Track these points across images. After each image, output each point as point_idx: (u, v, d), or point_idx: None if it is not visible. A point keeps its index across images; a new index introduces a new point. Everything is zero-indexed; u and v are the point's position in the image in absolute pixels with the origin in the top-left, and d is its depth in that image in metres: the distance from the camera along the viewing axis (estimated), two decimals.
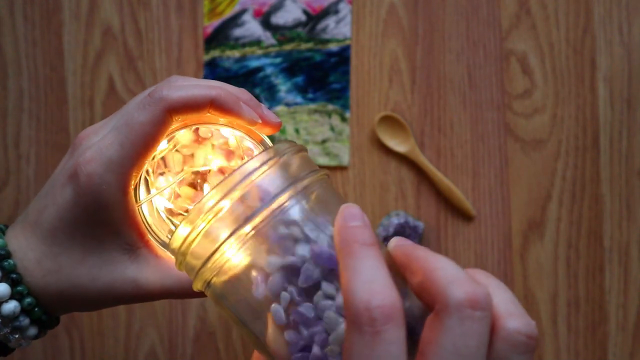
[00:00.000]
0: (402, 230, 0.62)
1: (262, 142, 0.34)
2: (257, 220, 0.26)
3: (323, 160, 0.66)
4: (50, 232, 0.32)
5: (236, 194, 0.26)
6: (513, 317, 0.23)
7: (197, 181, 0.36)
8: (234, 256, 0.27)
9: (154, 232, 0.34)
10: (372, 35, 0.66)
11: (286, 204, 0.26)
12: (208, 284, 0.28)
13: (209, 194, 0.27)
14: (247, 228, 0.26)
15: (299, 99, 0.67)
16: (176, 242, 0.28)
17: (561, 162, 0.65)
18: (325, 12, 0.67)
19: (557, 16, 0.65)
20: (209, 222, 0.26)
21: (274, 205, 0.26)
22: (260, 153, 0.28)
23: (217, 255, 0.26)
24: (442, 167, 0.65)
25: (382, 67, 0.66)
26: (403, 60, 0.66)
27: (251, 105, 0.34)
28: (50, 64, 0.69)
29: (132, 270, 0.33)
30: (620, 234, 0.65)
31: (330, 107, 0.66)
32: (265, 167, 0.27)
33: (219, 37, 0.68)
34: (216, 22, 0.68)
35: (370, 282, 0.23)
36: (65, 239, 0.32)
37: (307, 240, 0.26)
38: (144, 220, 0.34)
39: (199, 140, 0.35)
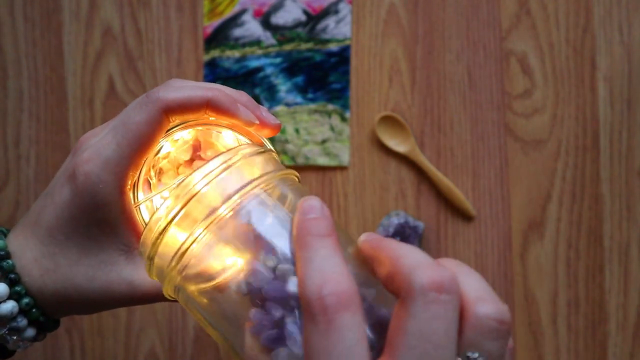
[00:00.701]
0: (402, 230, 0.62)
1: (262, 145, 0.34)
2: (213, 218, 0.26)
3: (323, 160, 0.66)
4: (48, 232, 0.33)
5: (196, 193, 0.26)
6: (483, 302, 0.23)
7: None
8: (198, 257, 0.27)
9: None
10: (372, 35, 0.66)
11: (245, 201, 0.26)
12: (177, 288, 0.28)
13: (170, 194, 0.27)
14: (200, 229, 0.26)
15: (299, 99, 0.67)
16: (143, 247, 0.28)
17: (561, 162, 0.65)
18: (325, 12, 0.67)
19: (557, 16, 0.65)
20: (169, 223, 0.27)
21: (232, 202, 0.26)
22: (221, 153, 0.28)
23: (180, 256, 0.27)
24: (442, 167, 0.65)
25: (382, 67, 0.66)
26: (403, 60, 0.66)
27: (249, 107, 0.34)
28: (50, 64, 0.69)
29: (128, 271, 0.33)
30: (620, 234, 0.65)
31: (330, 107, 0.66)
32: (224, 167, 0.27)
33: (219, 37, 0.68)
34: (216, 22, 0.68)
35: (321, 271, 0.23)
36: (62, 238, 0.32)
37: (267, 244, 0.26)
38: (143, 221, 0.34)
39: (198, 144, 0.36)
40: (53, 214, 0.32)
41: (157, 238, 0.27)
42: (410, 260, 0.23)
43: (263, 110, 0.35)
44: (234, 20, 0.68)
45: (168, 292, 0.28)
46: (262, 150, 0.29)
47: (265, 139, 0.35)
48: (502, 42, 0.66)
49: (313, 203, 0.26)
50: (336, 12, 0.67)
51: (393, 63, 0.66)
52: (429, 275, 0.22)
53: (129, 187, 0.33)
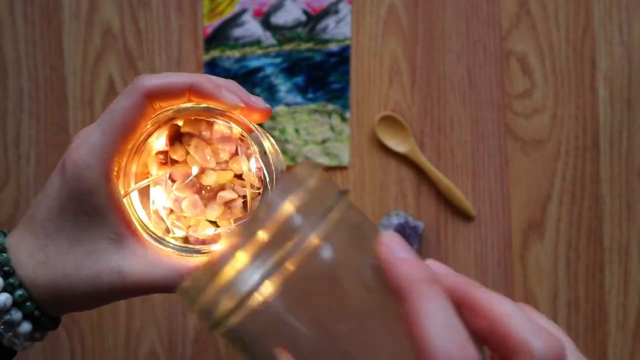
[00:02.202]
0: (402, 230, 0.62)
1: (251, 133, 0.34)
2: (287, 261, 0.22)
3: (323, 160, 0.66)
4: (41, 224, 0.33)
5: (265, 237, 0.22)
6: None
7: (195, 180, 0.36)
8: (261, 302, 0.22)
9: (144, 224, 0.34)
10: (372, 35, 0.66)
11: (317, 243, 0.22)
12: (228, 328, 0.23)
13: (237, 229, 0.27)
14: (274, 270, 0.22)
15: (299, 99, 0.67)
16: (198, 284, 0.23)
17: (561, 162, 0.65)
18: (325, 12, 0.67)
19: (557, 16, 0.65)
20: (236, 271, 0.22)
21: (306, 245, 0.22)
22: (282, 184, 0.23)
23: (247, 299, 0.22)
24: (442, 167, 0.65)
25: (382, 67, 0.66)
26: (403, 60, 0.66)
27: (237, 93, 0.34)
28: (50, 64, 0.69)
29: (117, 259, 0.33)
30: (620, 234, 0.65)
31: (330, 107, 0.66)
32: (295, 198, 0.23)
33: (219, 37, 0.68)
34: (216, 22, 0.68)
35: (448, 331, 0.20)
36: (53, 229, 0.33)
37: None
38: (133, 211, 0.34)
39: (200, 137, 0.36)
40: (45, 205, 0.33)
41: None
42: (520, 321, 0.22)
43: (252, 96, 0.35)
44: (234, 20, 0.68)
45: (217, 332, 0.23)
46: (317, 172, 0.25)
47: (255, 125, 0.34)
48: (502, 42, 0.66)
49: (397, 239, 0.22)
50: (336, 12, 0.67)
51: (393, 63, 0.66)
52: (546, 344, 0.21)
53: (115, 173, 0.33)
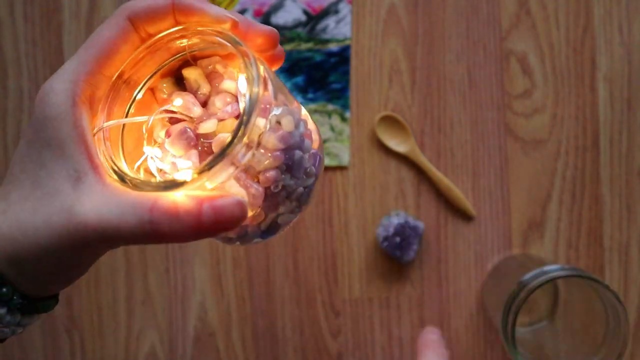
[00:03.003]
0: (402, 230, 0.62)
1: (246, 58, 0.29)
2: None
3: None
4: (10, 169, 0.29)
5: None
6: None
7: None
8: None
9: (110, 158, 0.29)
10: (372, 35, 0.66)
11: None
12: None
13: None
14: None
15: (299, 99, 0.67)
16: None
17: (561, 162, 0.65)
18: (325, 12, 0.67)
19: (557, 16, 0.65)
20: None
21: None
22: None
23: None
24: (442, 167, 0.65)
25: (382, 67, 0.66)
26: (403, 60, 0.66)
27: (238, 17, 0.30)
28: (50, 64, 0.69)
29: (71, 198, 0.28)
30: (620, 234, 0.65)
31: (330, 107, 0.66)
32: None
33: None
34: None
35: None
36: (18, 172, 0.29)
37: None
38: (102, 150, 0.30)
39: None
40: (17, 149, 0.29)
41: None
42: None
43: (254, 21, 0.31)
44: None
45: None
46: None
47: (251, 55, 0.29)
48: (502, 42, 0.66)
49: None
50: (336, 12, 0.67)
51: (393, 63, 0.66)
52: None
53: (83, 98, 0.29)
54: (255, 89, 0.27)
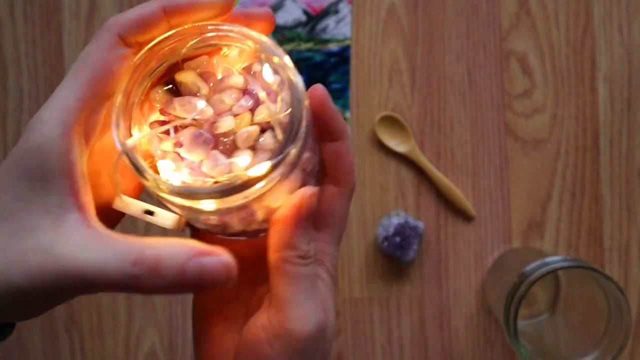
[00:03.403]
0: (402, 230, 0.62)
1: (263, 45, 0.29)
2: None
3: None
4: None
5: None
6: None
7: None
8: None
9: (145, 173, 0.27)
10: (372, 35, 0.66)
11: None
12: None
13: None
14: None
15: None
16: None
17: (561, 162, 0.65)
18: (325, 12, 0.67)
19: (557, 16, 0.65)
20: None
21: None
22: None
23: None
24: (442, 167, 0.65)
25: (382, 67, 0.66)
26: (403, 60, 0.66)
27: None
28: (50, 64, 0.69)
29: (50, 237, 0.25)
30: (620, 234, 0.65)
31: None
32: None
33: None
34: None
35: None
36: None
37: None
38: (135, 163, 0.27)
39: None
40: None
41: None
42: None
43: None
44: None
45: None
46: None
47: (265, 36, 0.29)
48: (502, 42, 0.66)
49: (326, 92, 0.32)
50: (336, 12, 0.67)
51: (393, 63, 0.66)
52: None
53: (76, 124, 0.27)
54: (297, 77, 0.28)
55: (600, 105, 0.65)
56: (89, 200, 0.27)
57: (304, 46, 0.67)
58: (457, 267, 0.65)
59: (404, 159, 0.66)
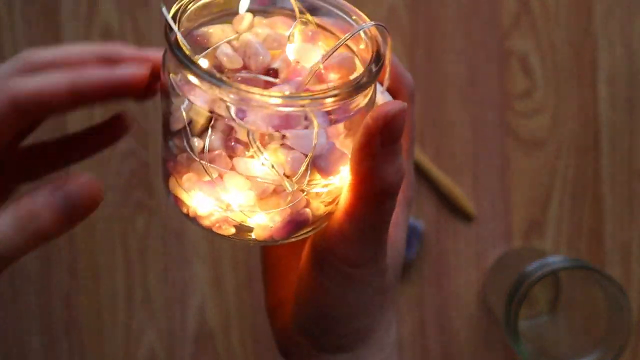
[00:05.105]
0: None
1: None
2: None
3: None
4: None
5: None
6: None
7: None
8: None
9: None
10: None
11: None
12: None
13: None
14: None
15: None
16: None
17: (562, 162, 0.65)
18: None
19: (558, 16, 0.65)
20: None
21: None
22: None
23: None
24: (442, 167, 0.65)
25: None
26: (403, 60, 0.66)
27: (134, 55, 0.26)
28: None
29: None
30: (621, 234, 0.64)
31: None
32: None
33: None
34: None
35: None
36: None
37: None
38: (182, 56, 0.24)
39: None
40: None
41: None
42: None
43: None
44: None
45: None
46: None
47: None
48: (502, 41, 0.65)
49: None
50: None
51: None
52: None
53: None
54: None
55: (601, 106, 0.65)
56: None
57: None
58: (457, 267, 0.65)
59: None
